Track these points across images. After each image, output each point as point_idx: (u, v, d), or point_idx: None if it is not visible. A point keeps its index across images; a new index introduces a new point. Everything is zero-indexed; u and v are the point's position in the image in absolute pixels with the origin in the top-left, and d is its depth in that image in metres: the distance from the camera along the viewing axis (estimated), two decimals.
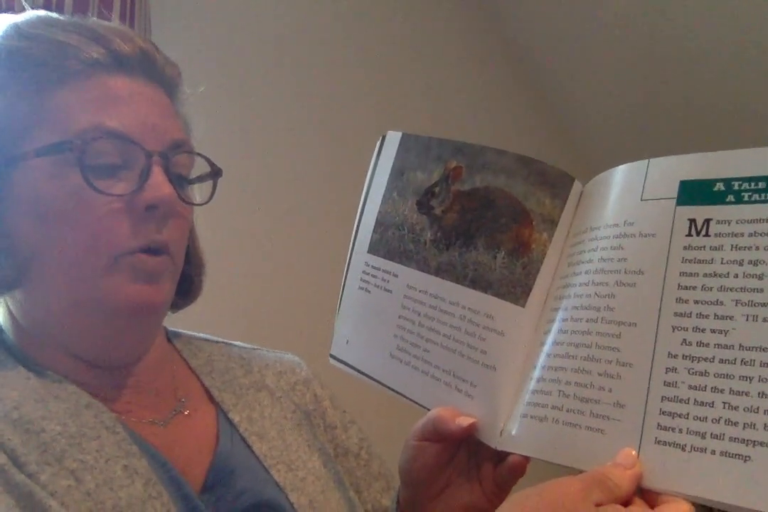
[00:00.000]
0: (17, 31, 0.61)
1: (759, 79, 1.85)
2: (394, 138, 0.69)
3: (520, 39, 2.30)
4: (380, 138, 0.71)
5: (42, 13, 0.64)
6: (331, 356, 0.72)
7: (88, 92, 0.60)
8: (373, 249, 0.69)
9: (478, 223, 0.61)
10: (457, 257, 0.62)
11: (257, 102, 1.90)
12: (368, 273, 0.69)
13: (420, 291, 0.64)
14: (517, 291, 0.59)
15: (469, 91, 2.28)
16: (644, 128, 2.20)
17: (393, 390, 0.65)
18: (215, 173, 0.68)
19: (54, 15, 0.64)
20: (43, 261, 0.60)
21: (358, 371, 0.69)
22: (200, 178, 0.68)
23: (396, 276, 0.66)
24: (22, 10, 0.61)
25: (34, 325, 0.63)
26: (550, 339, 0.56)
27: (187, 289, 0.72)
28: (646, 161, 0.53)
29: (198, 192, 0.69)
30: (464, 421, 0.58)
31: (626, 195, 0.54)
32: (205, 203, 0.67)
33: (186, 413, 0.68)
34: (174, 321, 0.75)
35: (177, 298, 0.70)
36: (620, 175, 0.55)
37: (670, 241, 0.49)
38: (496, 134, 2.05)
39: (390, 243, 0.67)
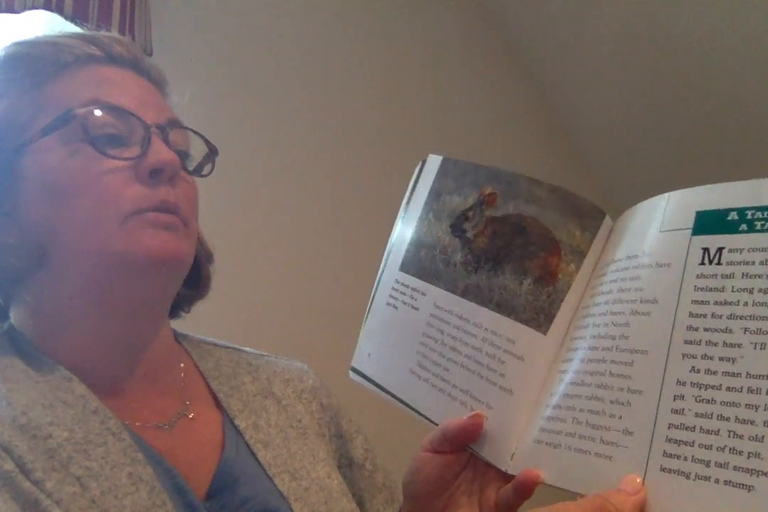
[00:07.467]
0: (17, 41, 0.68)
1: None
2: (434, 161, 0.72)
3: (530, 52, 2.31)
4: (421, 161, 0.73)
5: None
6: (352, 368, 0.73)
7: (83, 78, 0.65)
8: (405, 267, 0.71)
9: (508, 248, 0.63)
10: (484, 280, 0.63)
11: (260, 106, 1.88)
12: (397, 290, 0.70)
13: (446, 311, 0.65)
14: (540, 318, 0.59)
15: (480, 111, 2.27)
16: (662, 156, 2.18)
17: (407, 405, 0.66)
18: (212, 152, 0.71)
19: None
20: (59, 235, 0.62)
21: (376, 384, 0.70)
22: (199, 163, 0.71)
23: (424, 294, 0.68)
24: (23, 10, 0.67)
25: (55, 308, 0.64)
26: (567, 367, 0.56)
27: (196, 279, 0.73)
28: (668, 194, 0.54)
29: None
30: (470, 415, 0.59)
31: (647, 227, 0.55)
32: (207, 175, 0.70)
33: (191, 416, 0.68)
34: (184, 325, 0.76)
35: (188, 290, 0.72)
36: (644, 209, 0.57)
37: (684, 270, 0.50)
38: (507, 150, 2.10)
39: (422, 262, 0.69)
